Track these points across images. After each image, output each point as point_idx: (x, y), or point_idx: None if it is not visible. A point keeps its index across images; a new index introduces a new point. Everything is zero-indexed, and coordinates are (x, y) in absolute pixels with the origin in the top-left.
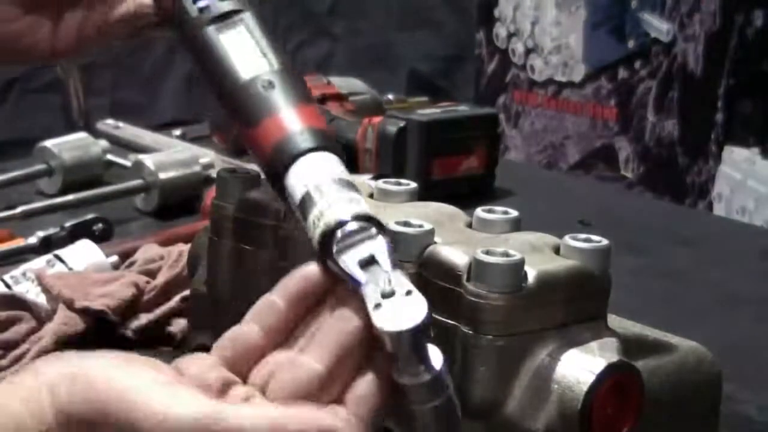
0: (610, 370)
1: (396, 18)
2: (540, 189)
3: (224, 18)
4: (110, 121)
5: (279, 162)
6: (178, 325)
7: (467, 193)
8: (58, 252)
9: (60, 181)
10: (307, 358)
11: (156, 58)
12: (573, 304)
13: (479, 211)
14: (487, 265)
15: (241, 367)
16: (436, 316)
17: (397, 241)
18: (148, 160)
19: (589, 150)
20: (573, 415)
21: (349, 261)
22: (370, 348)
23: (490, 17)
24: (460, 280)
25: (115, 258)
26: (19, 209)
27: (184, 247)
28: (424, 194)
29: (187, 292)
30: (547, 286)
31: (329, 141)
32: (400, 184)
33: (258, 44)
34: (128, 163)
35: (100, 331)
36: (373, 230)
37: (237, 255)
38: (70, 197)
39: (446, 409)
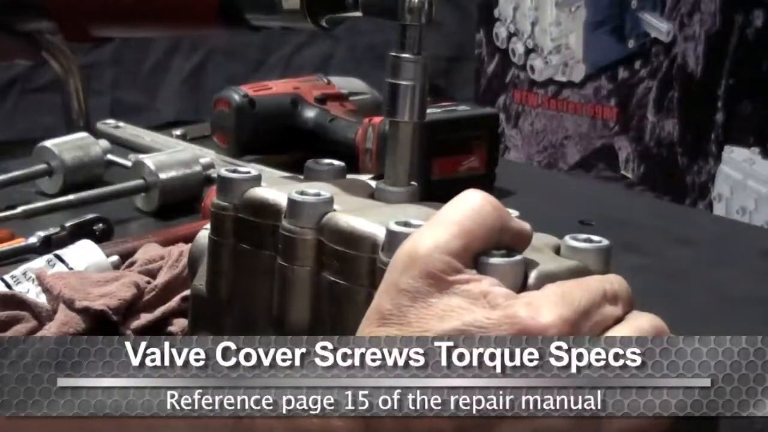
0: None
1: None
2: (540, 189)
3: None
4: (110, 121)
5: None
6: (179, 324)
7: None
8: (58, 252)
9: (60, 181)
10: None
11: (156, 58)
12: None
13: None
14: (488, 266)
15: None
16: None
17: (397, 242)
18: (149, 160)
19: (589, 150)
20: None
21: None
22: None
23: (490, 17)
24: None
25: (115, 258)
26: (19, 209)
27: (185, 247)
28: (424, 194)
29: (187, 292)
30: None
31: None
32: None
33: None
34: (128, 163)
35: (101, 331)
36: None
37: (237, 255)
38: (70, 197)
39: None
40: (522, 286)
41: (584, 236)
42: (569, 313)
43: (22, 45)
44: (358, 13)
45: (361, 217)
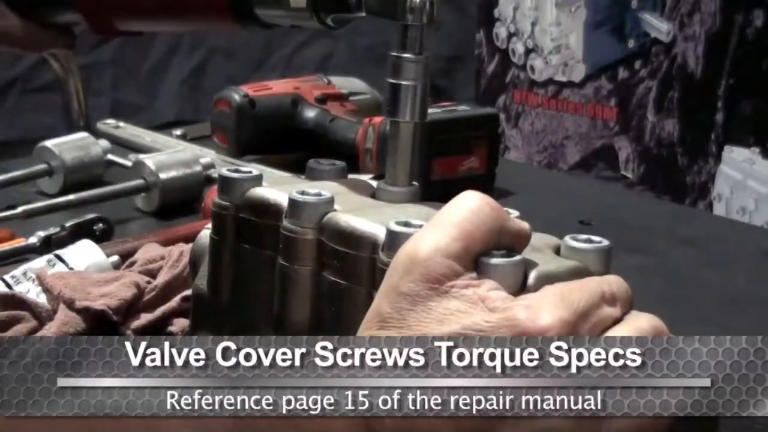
0: None
1: None
2: (540, 189)
3: None
4: (110, 121)
5: None
6: (179, 324)
7: None
8: (58, 252)
9: (61, 181)
10: None
11: (156, 58)
12: None
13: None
14: (488, 267)
15: None
16: None
17: (398, 242)
18: (149, 160)
19: (589, 150)
20: None
21: None
22: None
23: (490, 17)
24: None
25: (115, 258)
26: (19, 209)
27: (185, 247)
28: (424, 194)
29: (187, 292)
30: None
31: None
32: None
33: None
34: (128, 163)
35: (101, 331)
36: None
37: (238, 254)
38: (70, 197)
39: None
40: (522, 287)
41: (584, 236)
42: (568, 315)
43: (55, 36)
44: (362, 14)
45: (361, 217)
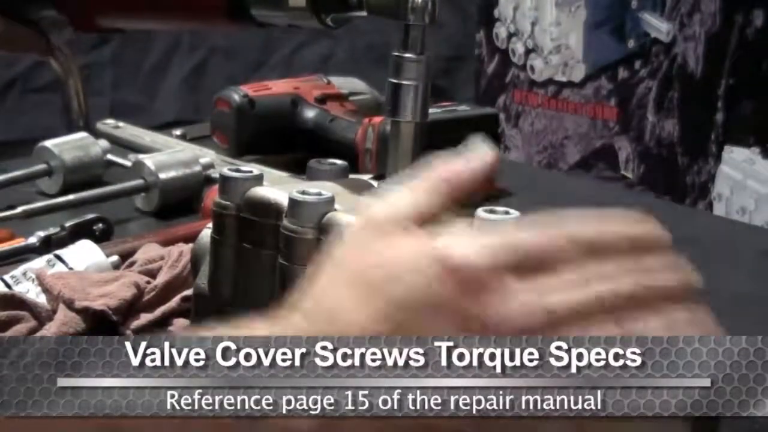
0: None
1: None
2: (540, 189)
3: None
4: (110, 121)
5: None
6: (179, 324)
7: None
8: (58, 252)
9: (60, 181)
10: None
11: (156, 58)
12: None
13: (480, 212)
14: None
15: None
16: None
17: None
18: (148, 160)
19: (589, 150)
20: None
21: None
22: None
23: (490, 17)
24: None
25: (115, 258)
26: (19, 209)
27: (185, 247)
28: None
29: (187, 292)
30: None
31: None
32: None
33: None
34: (128, 163)
35: (101, 331)
36: None
37: (239, 254)
38: (70, 197)
39: None
40: None
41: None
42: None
43: (31, 36)
44: (363, 13)
45: None
